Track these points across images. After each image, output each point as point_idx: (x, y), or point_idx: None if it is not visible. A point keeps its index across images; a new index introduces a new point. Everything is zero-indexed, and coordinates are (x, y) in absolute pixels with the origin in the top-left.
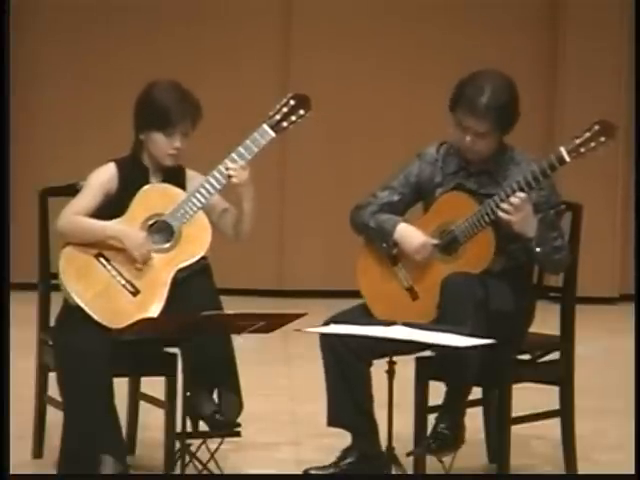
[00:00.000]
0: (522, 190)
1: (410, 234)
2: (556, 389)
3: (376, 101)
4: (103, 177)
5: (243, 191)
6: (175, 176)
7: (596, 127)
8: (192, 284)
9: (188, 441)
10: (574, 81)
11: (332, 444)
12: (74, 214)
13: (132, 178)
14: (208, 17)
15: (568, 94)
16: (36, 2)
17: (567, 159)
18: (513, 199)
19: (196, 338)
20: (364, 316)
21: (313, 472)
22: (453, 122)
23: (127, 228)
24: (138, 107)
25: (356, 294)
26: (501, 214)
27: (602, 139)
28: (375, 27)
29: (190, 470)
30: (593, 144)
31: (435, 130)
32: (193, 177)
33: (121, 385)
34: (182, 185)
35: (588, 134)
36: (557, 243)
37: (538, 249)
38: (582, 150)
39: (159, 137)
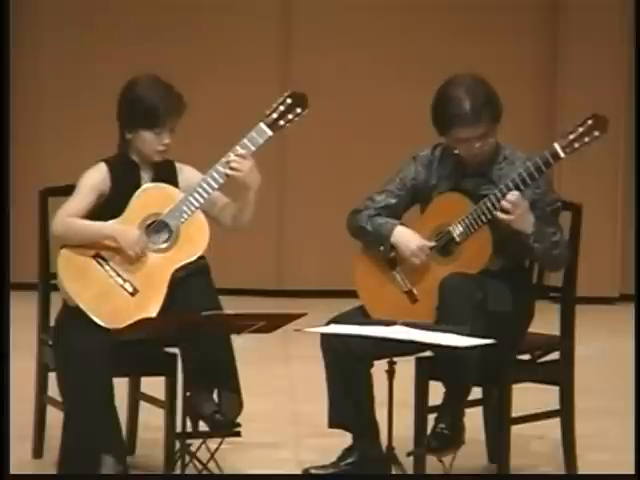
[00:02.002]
0: (517, 188)
1: (407, 237)
2: (556, 389)
3: (377, 102)
4: (95, 178)
5: (248, 181)
6: (165, 170)
7: (589, 122)
8: (191, 284)
9: (188, 441)
10: (574, 81)
11: (332, 444)
12: (68, 216)
13: (124, 176)
14: (207, 17)
15: (568, 94)
16: (36, 2)
17: (561, 155)
18: (509, 196)
19: (196, 338)
20: (364, 318)
21: (313, 471)
22: (451, 140)
23: (121, 226)
24: (123, 106)
25: (356, 294)
26: (498, 213)
27: (596, 133)
28: (376, 28)
29: (190, 470)
30: (587, 139)
31: (434, 131)
32: (184, 169)
33: (121, 385)
34: (174, 179)
35: (581, 129)
36: (555, 238)
37: (536, 245)
38: (576, 145)
39: (148, 135)
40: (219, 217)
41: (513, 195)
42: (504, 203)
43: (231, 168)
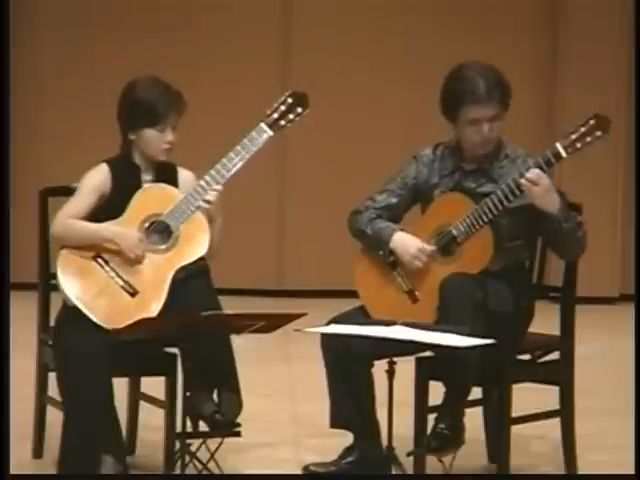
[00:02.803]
0: (519, 187)
1: (406, 243)
2: (556, 389)
3: (376, 102)
4: (96, 179)
5: (215, 213)
6: (167, 173)
7: (591, 122)
8: (191, 285)
9: (188, 441)
10: (574, 81)
11: (332, 444)
12: (68, 217)
13: (125, 178)
14: (208, 17)
15: (568, 94)
16: (36, 2)
17: (563, 154)
18: (528, 174)
19: (196, 338)
20: (365, 318)
21: (313, 468)
22: (459, 124)
23: (121, 229)
24: (124, 108)
25: (356, 294)
26: (524, 186)
27: (598, 133)
28: (375, 28)
29: (190, 470)
30: (589, 139)
31: (434, 130)
32: (185, 175)
33: (121, 385)
34: (174, 182)
35: (583, 129)
36: (578, 219)
37: (565, 225)
38: (578, 145)
39: (151, 133)
40: None
41: (532, 172)
42: (523, 181)
43: (204, 200)
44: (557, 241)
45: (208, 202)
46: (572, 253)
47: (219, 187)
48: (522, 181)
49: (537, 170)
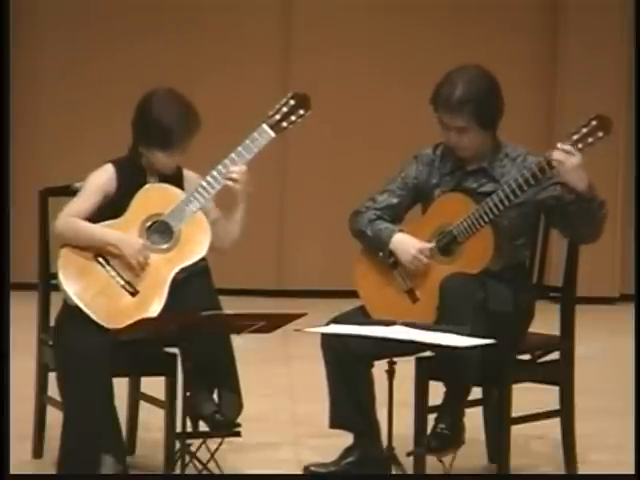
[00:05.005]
0: (520, 188)
1: (406, 244)
2: (556, 389)
3: (377, 102)
4: (101, 179)
5: (241, 195)
6: (172, 176)
7: (593, 122)
8: (191, 285)
9: (188, 441)
10: (574, 81)
11: (332, 444)
12: (71, 216)
13: (130, 179)
14: (208, 18)
15: (568, 94)
16: (36, 2)
17: None
18: (563, 146)
19: (196, 338)
20: (365, 318)
21: (313, 469)
22: (438, 122)
23: (124, 235)
24: (139, 123)
25: (356, 294)
26: (555, 158)
27: (600, 134)
28: (376, 28)
29: (190, 470)
30: (591, 139)
31: (434, 131)
32: (190, 177)
33: (121, 385)
34: (180, 185)
35: (585, 129)
36: (601, 198)
37: (594, 203)
38: (580, 146)
39: (161, 156)
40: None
41: (565, 146)
42: (555, 155)
43: (230, 179)
44: (581, 221)
45: (232, 180)
46: (594, 233)
47: (242, 163)
48: (554, 155)
49: (566, 146)
